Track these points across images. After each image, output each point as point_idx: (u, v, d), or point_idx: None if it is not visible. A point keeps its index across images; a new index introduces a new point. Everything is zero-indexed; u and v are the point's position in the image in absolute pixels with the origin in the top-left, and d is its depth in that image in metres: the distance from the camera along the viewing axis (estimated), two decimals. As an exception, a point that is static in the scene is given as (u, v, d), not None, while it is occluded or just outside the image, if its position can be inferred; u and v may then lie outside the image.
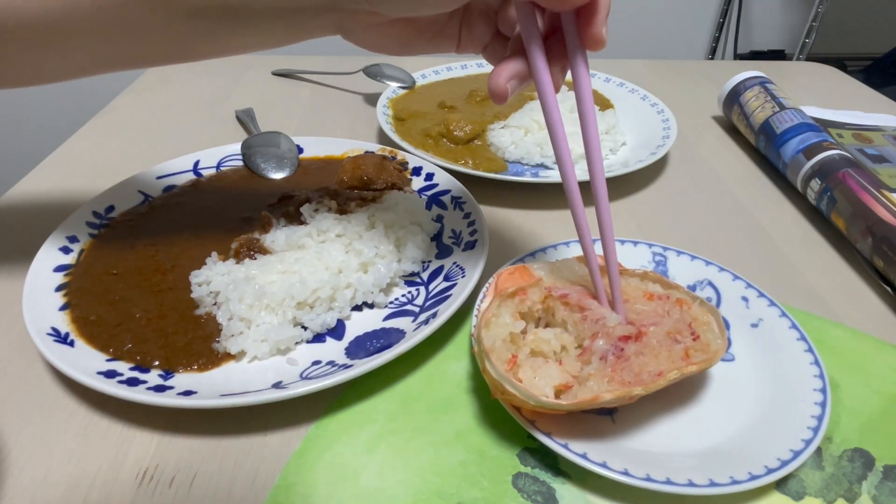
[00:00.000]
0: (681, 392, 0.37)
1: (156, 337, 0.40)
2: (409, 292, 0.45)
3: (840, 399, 0.39)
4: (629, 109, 0.73)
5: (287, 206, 0.51)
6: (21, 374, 0.39)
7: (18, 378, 0.39)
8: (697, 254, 0.47)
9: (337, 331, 0.42)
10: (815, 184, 0.56)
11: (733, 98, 0.71)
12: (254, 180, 0.58)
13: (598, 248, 0.37)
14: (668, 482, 0.31)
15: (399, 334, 0.40)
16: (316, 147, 0.62)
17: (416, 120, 0.68)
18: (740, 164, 0.67)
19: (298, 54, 0.92)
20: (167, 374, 0.37)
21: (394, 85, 0.75)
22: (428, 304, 0.43)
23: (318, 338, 0.41)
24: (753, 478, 0.31)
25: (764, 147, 0.65)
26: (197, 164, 0.58)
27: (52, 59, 0.35)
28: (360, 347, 0.40)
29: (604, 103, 0.75)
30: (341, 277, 0.43)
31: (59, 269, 0.44)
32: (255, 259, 0.44)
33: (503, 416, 0.36)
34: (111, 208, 0.51)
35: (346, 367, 0.37)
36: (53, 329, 0.39)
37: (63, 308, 0.41)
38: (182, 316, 0.42)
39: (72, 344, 0.38)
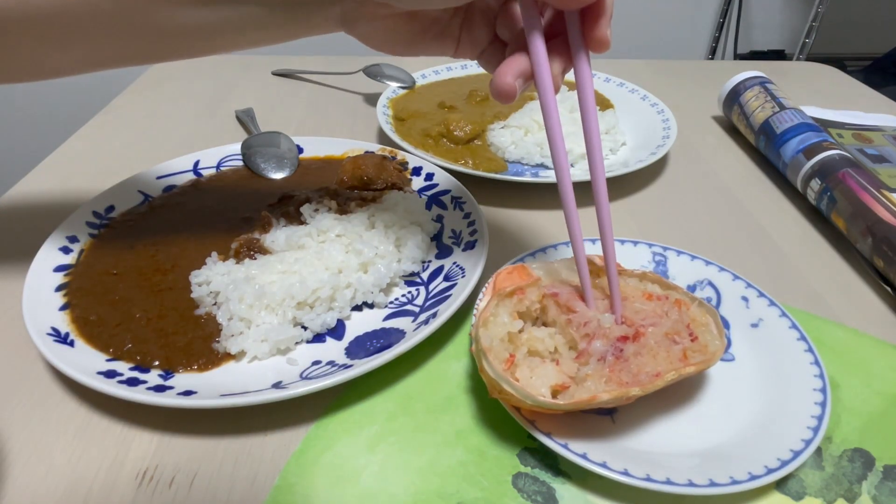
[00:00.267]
0: (681, 392, 0.37)
1: (156, 337, 0.40)
2: (409, 292, 0.45)
3: (840, 399, 0.39)
4: (629, 109, 0.73)
5: (287, 206, 0.51)
6: (21, 374, 0.39)
7: (18, 378, 0.39)
8: (697, 254, 0.47)
9: (337, 331, 0.42)
10: (815, 184, 0.56)
11: (733, 98, 0.71)
12: (254, 180, 0.58)
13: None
14: (668, 482, 0.31)
15: (399, 334, 0.40)
16: (316, 147, 0.62)
17: (416, 120, 0.68)
18: (740, 164, 0.67)
19: (298, 54, 0.92)
20: (167, 374, 0.37)
21: (394, 85, 0.75)
22: (428, 304, 0.43)
23: (318, 338, 0.41)
24: (753, 478, 0.31)
25: (764, 147, 0.65)
26: (197, 164, 0.58)
27: (53, 53, 0.35)
28: (360, 347, 0.40)
29: (604, 103, 0.75)
30: (341, 277, 0.43)
31: (59, 269, 0.44)
32: (255, 259, 0.44)
33: (503, 415, 0.36)
34: (111, 208, 0.51)
35: (346, 367, 0.37)
36: (53, 329, 0.39)
37: (63, 308, 0.41)
38: (182, 316, 0.42)
39: (72, 344, 0.38)
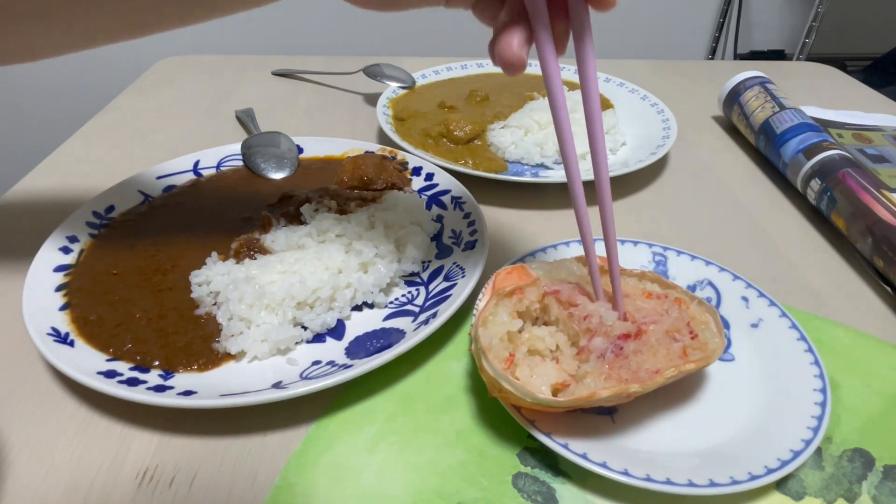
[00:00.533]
0: (681, 392, 0.37)
1: (156, 337, 0.40)
2: (409, 292, 0.45)
3: (840, 399, 0.39)
4: (629, 109, 0.73)
5: (287, 206, 0.51)
6: (21, 374, 0.39)
7: (18, 378, 0.39)
8: (697, 254, 0.47)
9: (337, 331, 0.42)
10: (815, 184, 0.56)
11: (733, 98, 0.71)
12: (254, 180, 0.58)
13: (598, 247, 0.37)
14: (668, 482, 0.31)
15: (399, 334, 0.40)
16: (316, 147, 0.62)
17: (416, 120, 0.68)
18: (740, 164, 0.67)
19: (298, 54, 0.92)
20: (167, 374, 0.37)
21: (394, 85, 0.75)
22: (428, 304, 0.43)
23: (318, 338, 0.41)
24: (753, 478, 0.31)
25: (764, 147, 0.65)
26: (197, 164, 0.58)
27: (34, 28, 0.32)
28: (360, 347, 0.40)
29: (604, 103, 0.75)
30: (341, 277, 0.43)
31: (59, 269, 0.44)
32: (255, 259, 0.44)
33: (503, 415, 0.36)
34: (111, 208, 0.51)
35: (346, 367, 0.37)
36: (53, 329, 0.39)
37: (63, 308, 0.41)
38: (182, 316, 0.42)
39: (72, 344, 0.38)
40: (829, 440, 0.36)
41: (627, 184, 0.61)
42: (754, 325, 0.41)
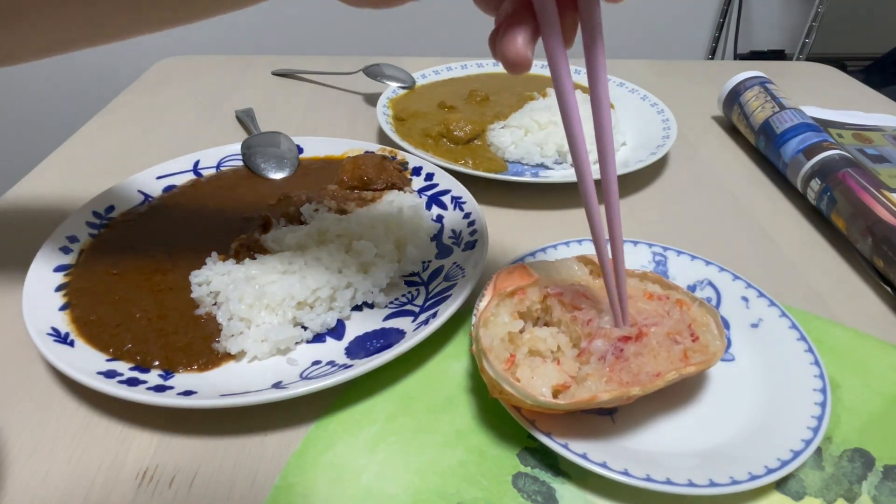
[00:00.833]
0: (681, 392, 0.37)
1: (156, 337, 0.40)
2: (409, 292, 0.45)
3: (840, 399, 0.39)
4: (629, 109, 0.73)
5: (287, 206, 0.51)
6: (21, 374, 0.39)
7: (18, 378, 0.39)
8: (697, 254, 0.47)
9: (337, 331, 0.42)
10: (815, 184, 0.56)
11: (733, 98, 0.71)
12: (254, 180, 0.58)
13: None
14: (668, 482, 0.31)
15: (399, 334, 0.40)
16: (316, 147, 0.62)
17: (416, 120, 0.68)
18: (740, 164, 0.67)
19: (298, 54, 0.92)
20: (167, 374, 0.37)
21: (394, 85, 0.75)
22: (428, 304, 0.43)
23: (318, 338, 0.41)
24: (753, 478, 0.31)
25: (764, 147, 0.65)
26: (197, 164, 0.58)
27: (24, 31, 0.31)
28: (360, 347, 0.40)
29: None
30: (341, 277, 0.43)
31: (59, 269, 0.44)
32: (255, 259, 0.44)
33: (503, 415, 0.36)
34: (111, 208, 0.51)
35: (346, 367, 0.37)
36: (53, 329, 0.39)
37: (63, 308, 0.41)
38: (182, 316, 0.42)
39: (72, 344, 0.38)
40: (829, 440, 0.36)
41: (627, 184, 0.61)
42: (754, 325, 0.41)
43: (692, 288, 0.45)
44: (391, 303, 0.44)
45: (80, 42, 0.33)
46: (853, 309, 0.46)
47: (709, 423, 0.36)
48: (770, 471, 0.31)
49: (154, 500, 0.32)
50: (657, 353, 0.34)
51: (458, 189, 0.53)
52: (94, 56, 1.64)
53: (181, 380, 0.37)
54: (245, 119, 0.70)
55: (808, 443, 0.33)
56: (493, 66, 0.84)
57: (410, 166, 0.58)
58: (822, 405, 0.35)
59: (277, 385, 0.36)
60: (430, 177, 0.56)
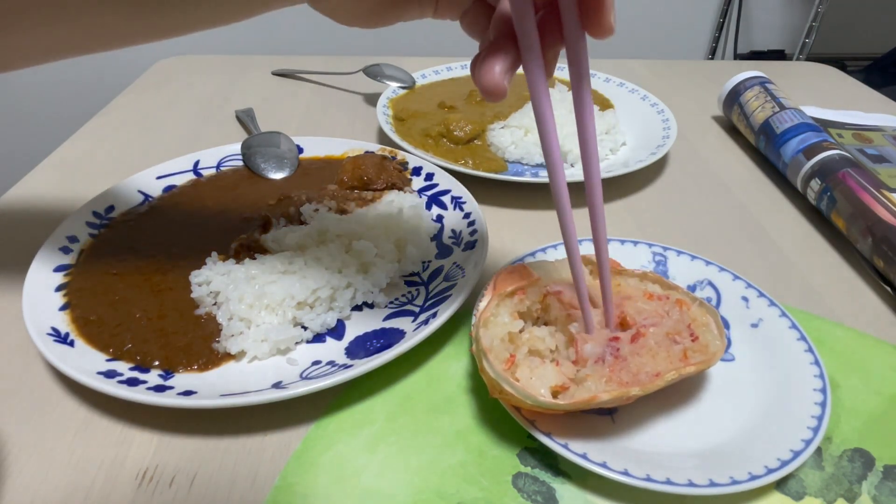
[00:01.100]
0: (681, 392, 0.37)
1: (156, 337, 0.40)
2: (409, 292, 0.45)
3: (840, 399, 0.39)
4: (629, 109, 0.73)
5: (287, 206, 0.51)
6: (21, 374, 0.39)
7: (18, 378, 0.39)
8: (697, 254, 0.47)
9: (337, 331, 0.42)
10: (815, 184, 0.56)
11: (733, 98, 0.71)
12: (254, 180, 0.58)
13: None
14: (668, 482, 0.31)
15: (399, 334, 0.40)
16: (316, 147, 0.62)
17: (416, 120, 0.68)
18: (740, 164, 0.67)
19: (298, 54, 0.92)
20: (167, 374, 0.37)
21: (394, 85, 0.75)
22: (428, 304, 0.43)
23: (318, 338, 0.41)
24: (753, 478, 0.31)
25: (764, 147, 0.65)
26: (197, 164, 0.58)
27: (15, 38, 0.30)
28: (360, 347, 0.40)
29: (604, 103, 0.75)
30: (341, 277, 0.43)
31: (59, 269, 0.44)
32: (255, 259, 0.44)
33: (503, 415, 0.36)
34: (111, 208, 0.51)
35: (346, 367, 0.37)
36: (53, 329, 0.39)
37: (63, 308, 0.41)
38: (182, 316, 0.42)
39: (72, 344, 0.38)
40: (829, 440, 0.36)
41: (627, 184, 0.61)
42: (754, 325, 0.41)
43: (692, 288, 0.45)
44: (391, 303, 0.44)
45: (73, 50, 0.33)
46: (853, 309, 0.46)
47: (709, 423, 0.36)
48: (770, 471, 0.31)
49: (154, 500, 0.32)
50: (656, 353, 0.34)
51: (458, 189, 0.53)
52: (94, 56, 1.64)
53: (181, 380, 0.37)
54: (245, 119, 0.70)
55: (808, 443, 0.33)
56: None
57: (410, 166, 0.58)
58: (822, 405, 0.35)
59: (277, 385, 0.36)
60: (430, 177, 0.56)
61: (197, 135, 0.70)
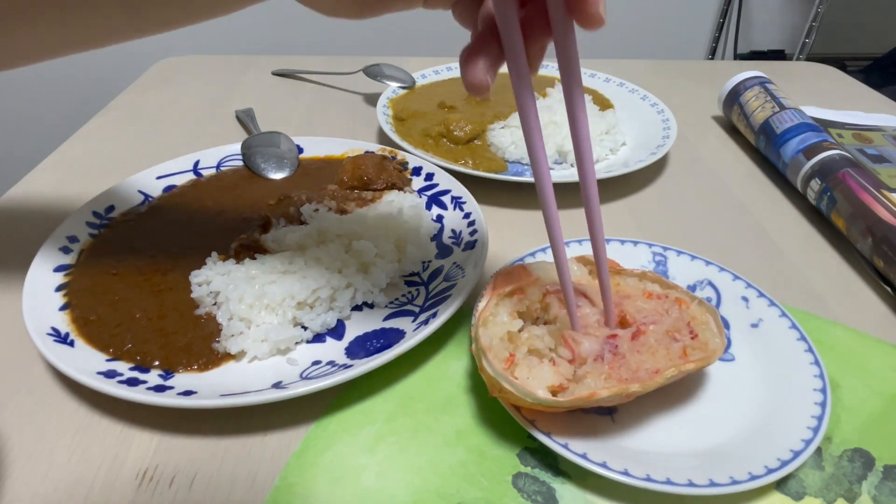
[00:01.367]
0: (681, 392, 0.37)
1: (156, 337, 0.40)
2: (409, 292, 0.45)
3: (840, 399, 0.39)
4: (629, 109, 0.73)
5: (287, 206, 0.51)
6: (21, 374, 0.39)
7: (18, 378, 0.39)
8: (697, 254, 0.47)
9: (337, 331, 0.42)
10: (815, 184, 0.56)
11: (733, 98, 0.71)
12: (254, 180, 0.58)
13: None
14: (668, 482, 0.31)
15: (399, 334, 0.40)
16: (316, 147, 0.62)
17: (416, 120, 0.68)
18: (740, 164, 0.67)
19: (298, 54, 0.92)
20: (167, 374, 0.37)
21: (394, 85, 0.75)
22: (428, 304, 0.43)
23: (318, 338, 0.41)
24: (753, 478, 0.31)
25: (764, 147, 0.65)
26: (197, 164, 0.58)
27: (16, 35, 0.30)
28: (360, 347, 0.40)
29: (604, 103, 0.75)
30: (341, 277, 0.43)
31: (59, 269, 0.44)
32: (255, 259, 0.44)
33: (503, 415, 0.36)
34: (111, 208, 0.51)
35: (346, 367, 0.37)
36: (53, 329, 0.39)
37: (63, 308, 0.41)
38: (182, 316, 0.42)
39: (72, 344, 0.38)
40: (829, 440, 0.36)
41: (627, 184, 0.61)
42: (754, 325, 0.41)
43: (692, 288, 0.45)
44: (391, 303, 0.44)
45: (75, 46, 0.32)
46: (853, 309, 0.46)
47: (709, 422, 0.36)
48: (770, 471, 0.31)
49: (154, 500, 0.32)
50: (656, 351, 0.34)
51: (458, 189, 0.53)
52: (94, 56, 1.64)
53: (181, 380, 0.37)
54: (245, 119, 0.70)
55: (808, 443, 0.33)
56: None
57: (410, 166, 0.58)
58: (822, 405, 0.35)
59: (277, 385, 0.36)
60: (430, 177, 0.56)
61: (197, 135, 0.70)
